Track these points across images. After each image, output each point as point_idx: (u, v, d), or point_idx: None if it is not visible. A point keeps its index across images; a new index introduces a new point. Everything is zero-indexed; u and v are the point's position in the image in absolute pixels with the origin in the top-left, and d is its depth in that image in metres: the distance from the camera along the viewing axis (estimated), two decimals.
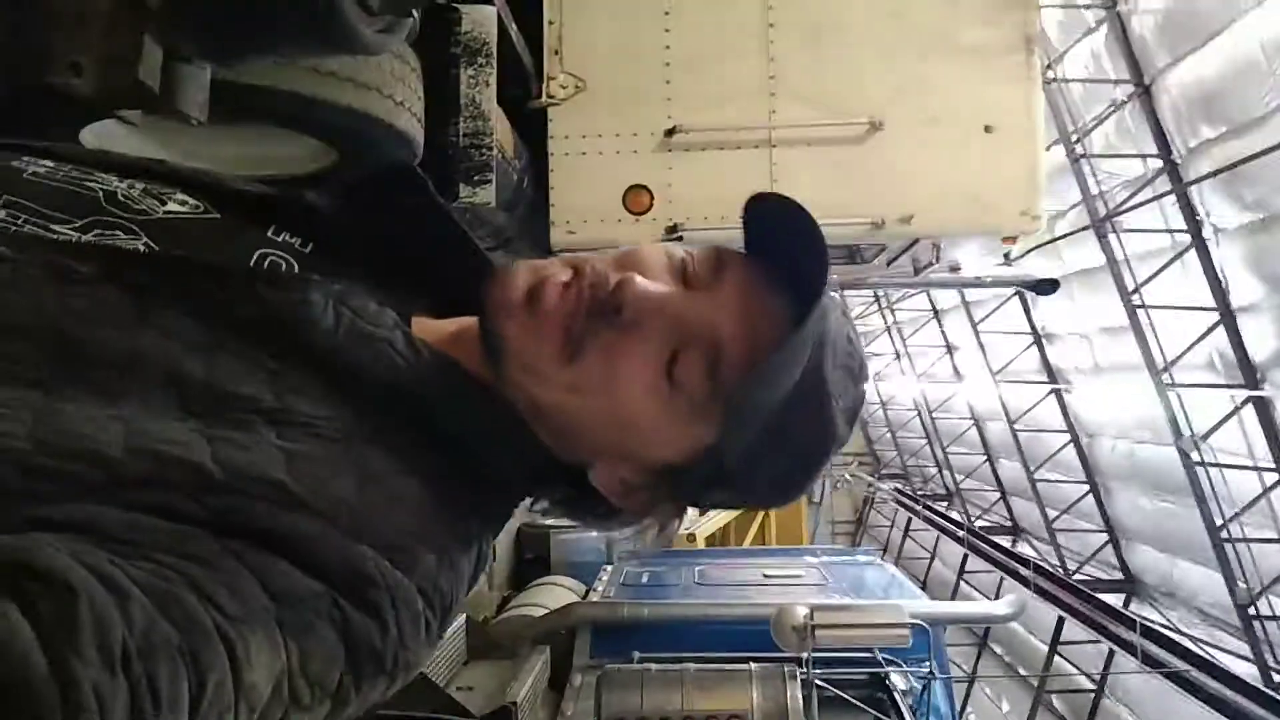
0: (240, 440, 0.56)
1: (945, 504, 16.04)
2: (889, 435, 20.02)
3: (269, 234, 0.71)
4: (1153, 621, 8.28)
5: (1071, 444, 10.81)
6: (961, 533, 12.59)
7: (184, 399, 0.57)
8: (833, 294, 0.73)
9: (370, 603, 0.56)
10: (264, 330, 0.61)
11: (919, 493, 17.25)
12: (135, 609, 0.44)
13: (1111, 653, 9.03)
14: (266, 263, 0.69)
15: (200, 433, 0.55)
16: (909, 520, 16.55)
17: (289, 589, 0.53)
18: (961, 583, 13.96)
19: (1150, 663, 7.38)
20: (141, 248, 0.65)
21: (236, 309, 0.61)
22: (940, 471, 16.78)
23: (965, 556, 12.81)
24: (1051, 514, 11.87)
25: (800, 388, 0.68)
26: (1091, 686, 10.52)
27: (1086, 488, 10.76)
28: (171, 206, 0.70)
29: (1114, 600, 9.31)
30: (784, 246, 0.68)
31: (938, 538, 14.60)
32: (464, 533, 0.66)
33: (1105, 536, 10.78)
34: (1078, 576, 10.76)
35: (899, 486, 18.01)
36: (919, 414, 16.59)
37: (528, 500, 0.78)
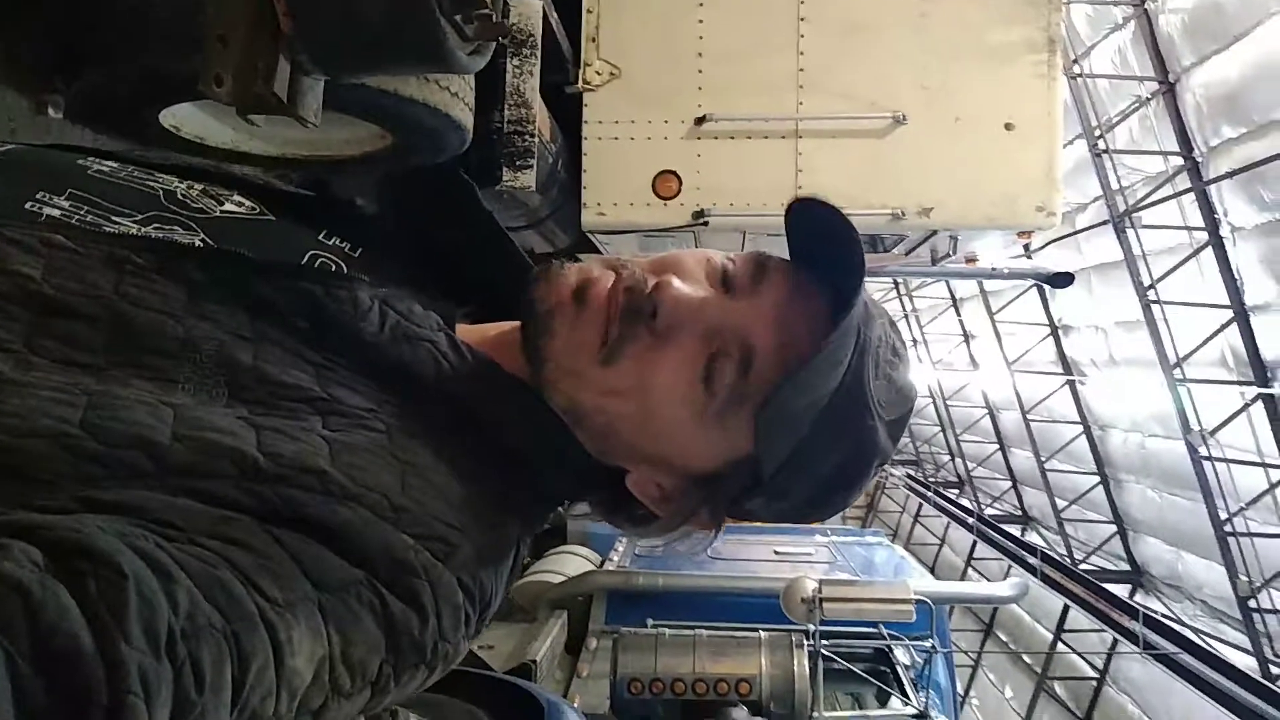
0: (287, 429, 0.57)
1: (956, 491, 16.16)
2: None
3: (319, 237, 0.73)
4: (1156, 613, 8.42)
5: (1084, 435, 10.92)
6: (971, 520, 12.73)
7: (233, 386, 0.58)
8: (879, 304, 0.74)
9: (411, 592, 0.56)
10: (311, 326, 0.63)
11: (930, 479, 17.38)
12: (181, 592, 0.45)
13: (1115, 642, 9.18)
14: (317, 263, 0.70)
15: (248, 421, 0.56)
16: (919, 506, 16.70)
17: (330, 576, 0.53)
18: (970, 569, 14.14)
19: (1152, 652, 7.54)
20: (198, 243, 0.66)
21: (285, 305, 0.63)
22: (953, 459, 16.89)
23: (974, 543, 12.96)
24: (1061, 504, 12.00)
25: (838, 398, 0.67)
26: (1094, 675, 10.68)
27: (1097, 479, 10.88)
28: (228, 207, 0.71)
29: (1120, 591, 9.44)
30: (825, 254, 0.68)
31: (948, 524, 14.75)
32: (504, 532, 0.66)
33: (1113, 528, 10.90)
34: (1084, 566, 10.89)
35: (911, 473, 18.14)
36: (933, 401, 16.69)
37: (565, 502, 0.78)
